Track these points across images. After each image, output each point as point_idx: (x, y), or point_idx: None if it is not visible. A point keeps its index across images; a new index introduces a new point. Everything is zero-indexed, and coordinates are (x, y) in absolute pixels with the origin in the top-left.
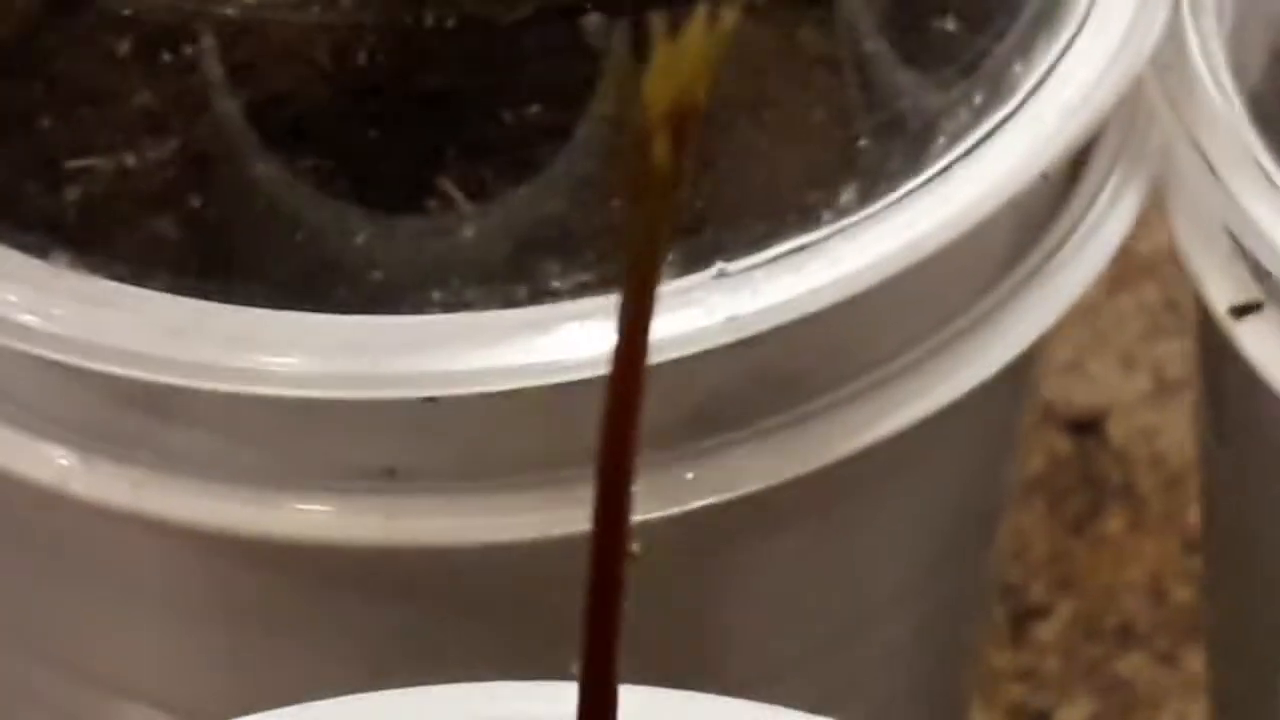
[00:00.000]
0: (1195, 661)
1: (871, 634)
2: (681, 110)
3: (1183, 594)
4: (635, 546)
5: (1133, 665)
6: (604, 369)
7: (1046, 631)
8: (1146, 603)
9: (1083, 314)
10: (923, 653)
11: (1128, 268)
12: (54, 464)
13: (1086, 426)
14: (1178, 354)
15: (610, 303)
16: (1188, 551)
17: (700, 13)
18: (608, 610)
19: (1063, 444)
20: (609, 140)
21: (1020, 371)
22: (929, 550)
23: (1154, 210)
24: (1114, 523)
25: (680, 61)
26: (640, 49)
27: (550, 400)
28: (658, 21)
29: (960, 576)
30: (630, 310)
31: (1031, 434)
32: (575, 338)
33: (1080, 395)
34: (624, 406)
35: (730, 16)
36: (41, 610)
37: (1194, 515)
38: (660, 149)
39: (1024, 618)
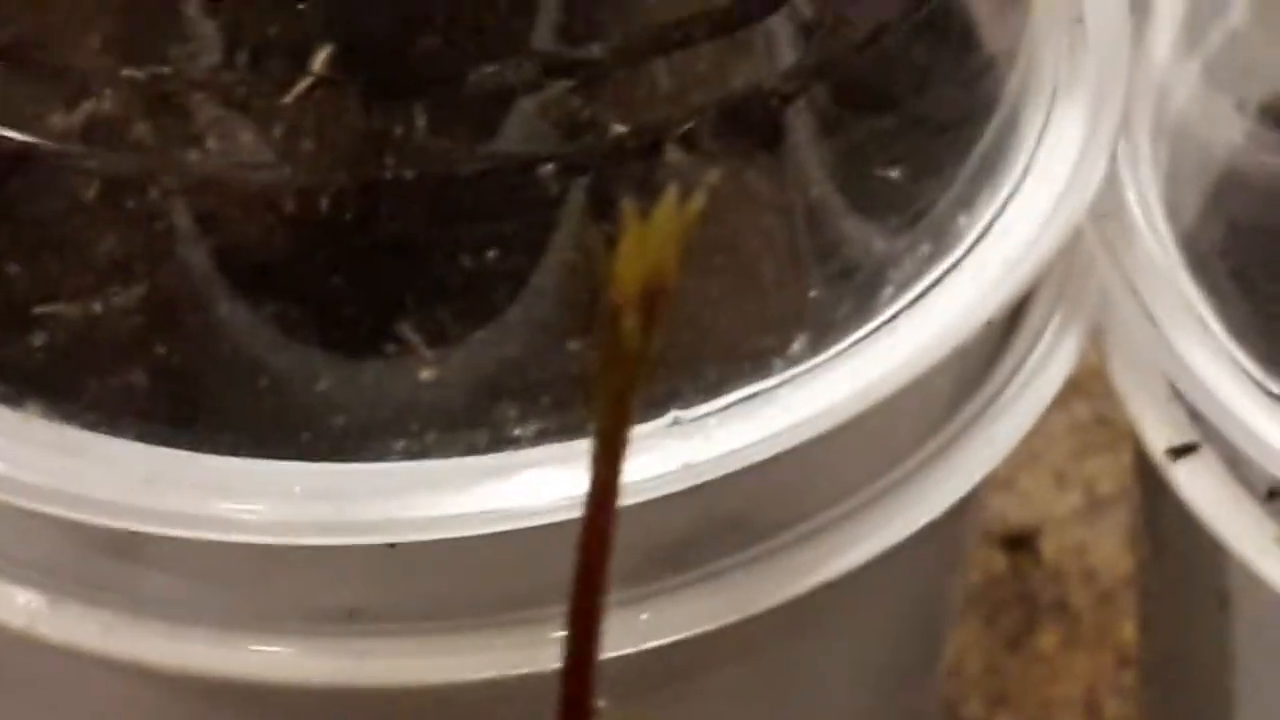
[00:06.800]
0: None
1: None
2: (651, 289)
3: (1116, 709)
4: (602, 703)
5: None
6: (562, 515)
7: None
8: (1080, 718)
9: None
10: None
11: None
12: (23, 607)
13: (1020, 543)
14: (1108, 470)
15: (568, 450)
16: (1121, 666)
17: (669, 194)
18: None
19: (997, 560)
20: (567, 289)
21: (966, 507)
22: (879, 676)
23: None
24: (1048, 639)
25: (650, 242)
26: (599, 205)
27: (510, 545)
28: (628, 202)
29: (910, 697)
30: (599, 477)
31: None
32: (534, 484)
33: (1013, 512)
34: (591, 572)
35: (699, 198)
36: None
37: (1126, 630)
38: (630, 325)
39: None
